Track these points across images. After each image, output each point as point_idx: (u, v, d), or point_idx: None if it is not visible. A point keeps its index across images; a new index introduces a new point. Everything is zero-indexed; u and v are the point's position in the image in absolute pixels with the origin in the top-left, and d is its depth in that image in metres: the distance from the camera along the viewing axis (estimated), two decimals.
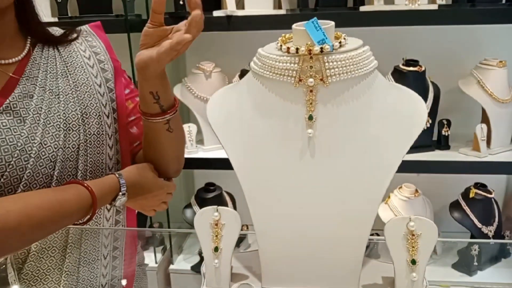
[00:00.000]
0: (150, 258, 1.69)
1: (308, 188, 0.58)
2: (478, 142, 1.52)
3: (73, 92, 0.82)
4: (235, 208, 1.67)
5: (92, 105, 0.83)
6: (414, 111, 0.61)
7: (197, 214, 0.64)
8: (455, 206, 1.63)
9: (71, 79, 0.82)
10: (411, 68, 1.52)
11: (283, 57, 0.57)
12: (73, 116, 0.80)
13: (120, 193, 0.83)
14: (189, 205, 1.68)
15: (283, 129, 0.59)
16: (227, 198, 1.67)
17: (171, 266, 1.71)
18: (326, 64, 0.56)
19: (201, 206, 1.64)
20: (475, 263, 1.58)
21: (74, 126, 0.80)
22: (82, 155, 0.81)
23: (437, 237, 0.57)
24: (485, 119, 1.57)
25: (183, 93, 1.66)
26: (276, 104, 0.59)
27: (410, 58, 1.56)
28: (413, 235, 0.56)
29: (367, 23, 1.44)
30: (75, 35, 0.89)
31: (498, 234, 1.63)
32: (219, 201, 1.63)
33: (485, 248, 1.60)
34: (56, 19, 1.63)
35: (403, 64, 1.53)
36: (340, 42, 0.57)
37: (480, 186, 1.63)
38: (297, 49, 0.56)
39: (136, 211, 1.01)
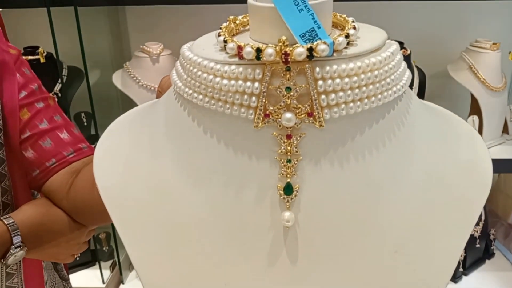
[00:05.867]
0: (97, 277, 1.37)
1: None
2: None
3: None
4: None
5: None
6: (472, 161, 0.32)
7: None
8: None
9: None
10: None
11: (230, 67, 0.26)
12: None
13: (13, 245, 0.53)
14: None
15: (234, 209, 0.28)
16: None
17: (122, 286, 1.40)
18: (321, 82, 0.25)
19: None
20: (460, 269, 1.37)
21: None
22: None
23: None
24: (475, 109, 1.32)
25: (125, 81, 1.31)
26: (219, 158, 0.28)
27: (394, 39, 1.27)
28: None
29: None
30: None
31: (484, 234, 1.42)
32: None
33: (471, 251, 1.39)
34: None
35: None
36: (347, 36, 0.26)
37: None
38: (258, 50, 0.25)
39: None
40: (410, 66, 1.30)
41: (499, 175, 1.57)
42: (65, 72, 1.27)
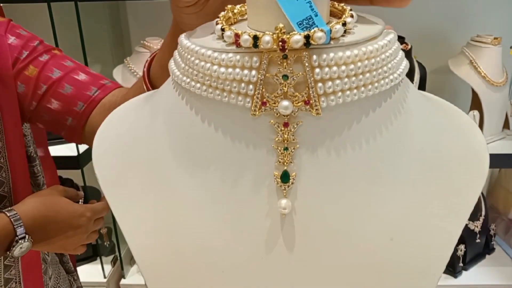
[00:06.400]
0: (98, 272, 1.37)
1: None
2: None
3: None
4: None
5: None
6: (469, 149, 0.32)
7: None
8: None
9: None
10: None
11: (227, 55, 0.26)
12: None
13: (18, 237, 0.53)
14: None
15: (231, 197, 0.29)
16: None
17: (123, 281, 1.40)
18: (318, 70, 0.26)
19: None
20: (460, 264, 1.38)
21: None
22: None
23: None
24: (476, 104, 1.31)
25: (125, 76, 1.31)
26: (216, 147, 0.28)
27: None
28: None
29: None
30: None
31: (484, 229, 1.42)
32: None
33: (471, 246, 1.39)
34: None
35: None
36: (344, 24, 0.26)
37: None
38: (255, 38, 0.25)
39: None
40: (411, 61, 1.29)
41: (500, 170, 1.57)
42: None
